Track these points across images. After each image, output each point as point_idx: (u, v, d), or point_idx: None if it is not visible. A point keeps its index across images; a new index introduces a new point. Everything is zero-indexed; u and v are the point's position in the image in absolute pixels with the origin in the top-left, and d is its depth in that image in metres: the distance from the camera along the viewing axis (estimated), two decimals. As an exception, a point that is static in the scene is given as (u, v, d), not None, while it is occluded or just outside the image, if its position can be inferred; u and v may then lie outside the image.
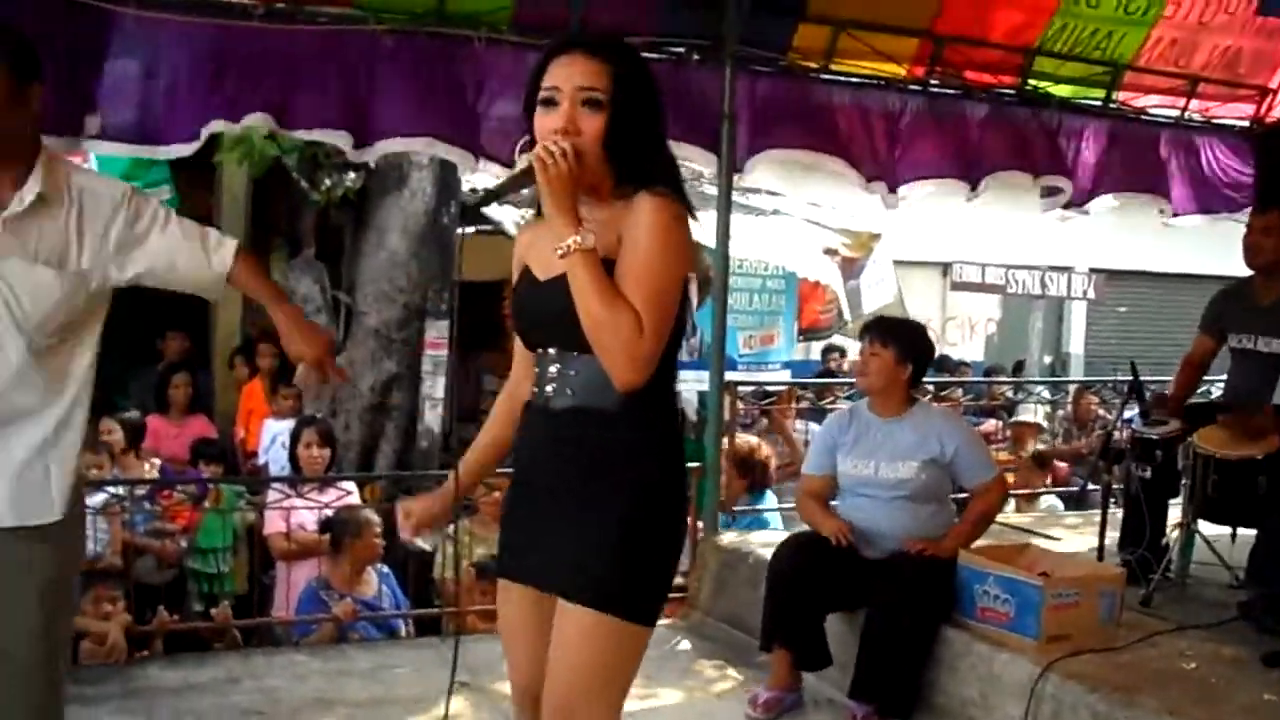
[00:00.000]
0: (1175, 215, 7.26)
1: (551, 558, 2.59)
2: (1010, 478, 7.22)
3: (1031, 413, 9.29)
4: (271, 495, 6.44)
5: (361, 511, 6.33)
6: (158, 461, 7.49)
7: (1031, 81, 6.61)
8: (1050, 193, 6.95)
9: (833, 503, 5.01)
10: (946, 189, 6.56)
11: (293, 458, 7.06)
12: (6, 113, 2.82)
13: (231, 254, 3.12)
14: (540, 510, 2.63)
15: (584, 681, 2.54)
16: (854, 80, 6.23)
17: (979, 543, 4.88)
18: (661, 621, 6.13)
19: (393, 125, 5.33)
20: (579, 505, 2.56)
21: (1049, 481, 8.86)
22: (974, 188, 6.52)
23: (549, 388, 2.62)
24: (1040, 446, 9.35)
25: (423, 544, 6.58)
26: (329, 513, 6.34)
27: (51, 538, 2.92)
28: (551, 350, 2.62)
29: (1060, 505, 8.33)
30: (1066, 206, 6.92)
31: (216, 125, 5.09)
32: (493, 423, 2.93)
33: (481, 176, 7.74)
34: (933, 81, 6.42)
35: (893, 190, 6.35)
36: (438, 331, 8.51)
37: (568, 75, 2.49)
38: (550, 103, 2.50)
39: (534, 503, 2.66)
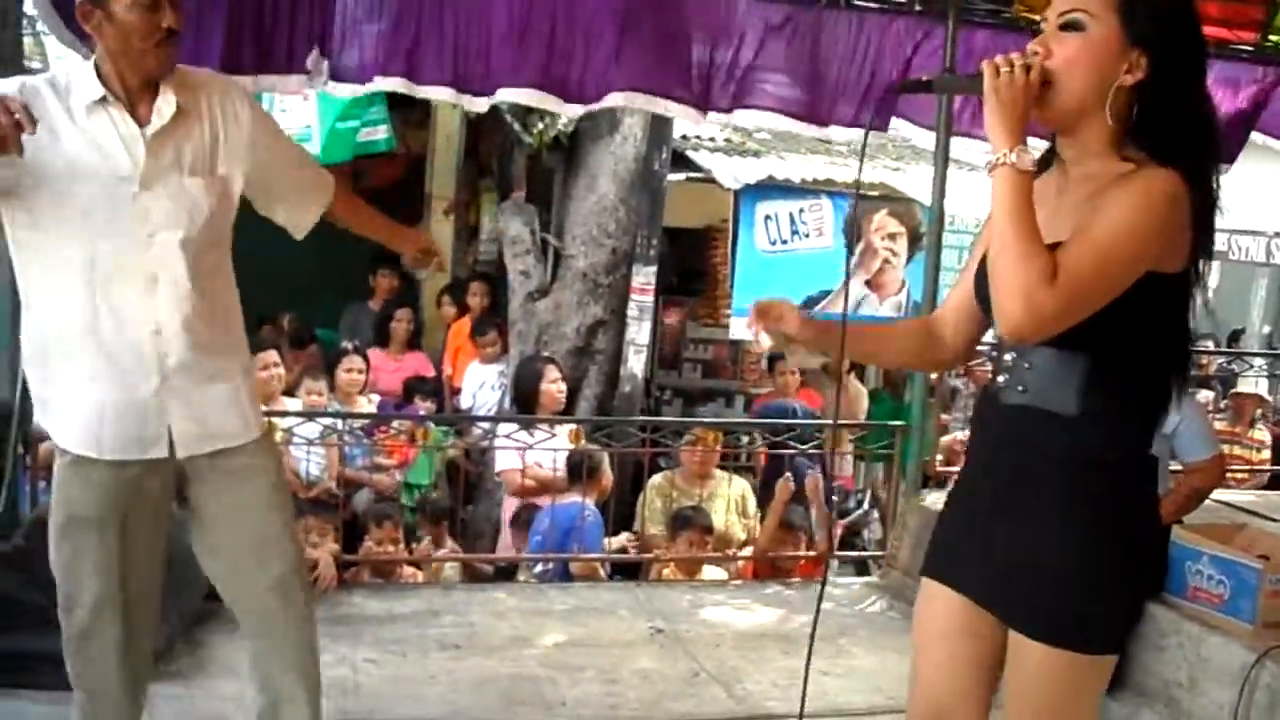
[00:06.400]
0: None
1: (996, 572, 2.37)
2: (1229, 451, 6.95)
3: (1253, 384, 8.91)
4: (474, 435, 6.55)
5: (598, 453, 6.42)
6: (376, 398, 7.68)
7: (1272, 38, 6.29)
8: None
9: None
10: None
11: (529, 394, 7.15)
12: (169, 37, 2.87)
13: (331, 188, 3.26)
14: (983, 513, 2.41)
15: None
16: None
17: (1191, 519, 4.71)
18: (859, 580, 6.16)
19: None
20: (1026, 519, 2.30)
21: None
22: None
23: (1002, 378, 2.36)
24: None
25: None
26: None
27: (266, 450, 3.20)
28: None
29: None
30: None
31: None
32: (896, 324, 2.50)
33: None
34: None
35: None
36: (644, 277, 8.50)
37: (1056, 2, 2.23)
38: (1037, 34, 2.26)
39: (977, 503, 2.44)
